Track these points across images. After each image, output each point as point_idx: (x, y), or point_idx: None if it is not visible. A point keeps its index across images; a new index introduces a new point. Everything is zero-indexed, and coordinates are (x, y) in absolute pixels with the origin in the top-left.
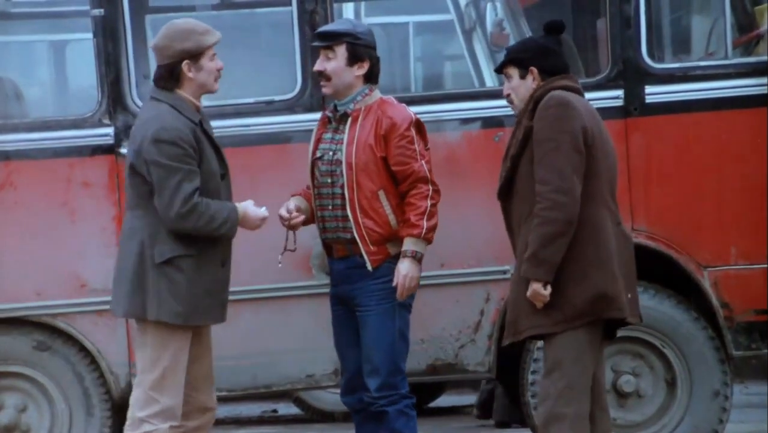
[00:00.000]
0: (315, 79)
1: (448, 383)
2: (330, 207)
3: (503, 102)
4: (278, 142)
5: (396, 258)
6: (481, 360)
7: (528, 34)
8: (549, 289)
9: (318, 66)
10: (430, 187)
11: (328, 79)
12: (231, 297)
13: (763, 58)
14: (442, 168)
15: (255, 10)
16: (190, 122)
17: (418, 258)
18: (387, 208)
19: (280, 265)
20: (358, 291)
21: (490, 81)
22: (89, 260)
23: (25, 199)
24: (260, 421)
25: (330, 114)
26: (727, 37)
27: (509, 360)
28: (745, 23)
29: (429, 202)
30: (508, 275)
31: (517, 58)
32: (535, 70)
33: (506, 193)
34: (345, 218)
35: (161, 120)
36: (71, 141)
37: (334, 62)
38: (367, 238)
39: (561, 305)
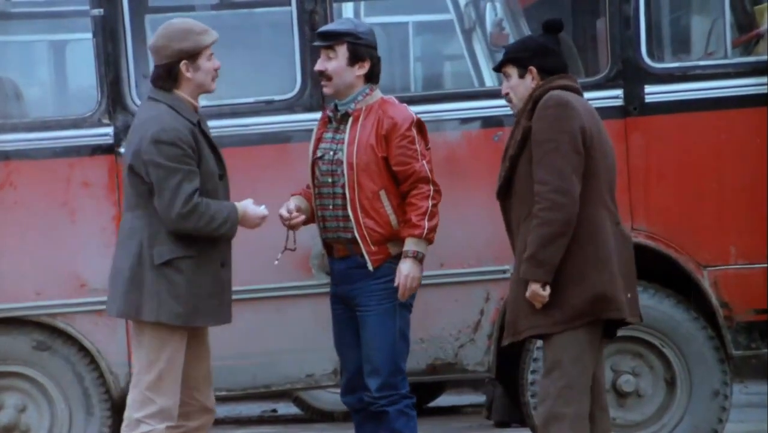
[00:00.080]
0: (314, 78)
1: (448, 382)
2: (331, 207)
3: (503, 102)
4: (278, 141)
5: (397, 258)
6: (480, 360)
7: (527, 33)
8: (548, 289)
9: (319, 66)
10: (431, 188)
11: (329, 78)
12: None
13: (763, 57)
14: (441, 168)
15: (254, 10)
16: (189, 123)
17: (419, 258)
18: (388, 209)
19: (276, 263)
20: (358, 291)
21: (490, 81)
22: (89, 260)
23: (25, 199)
24: (260, 421)
25: (331, 114)
26: (726, 37)
27: (509, 360)
28: (744, 23)
29: (430, 203)
30: (507, 275)
31: (516, 57)
32: (534, 69)
33: (505, 193)
34: (346, 217)
35: (160, 121)
36: (71, 141)
37: (335, 62)
38: (368, 238)
39: (560, 305)
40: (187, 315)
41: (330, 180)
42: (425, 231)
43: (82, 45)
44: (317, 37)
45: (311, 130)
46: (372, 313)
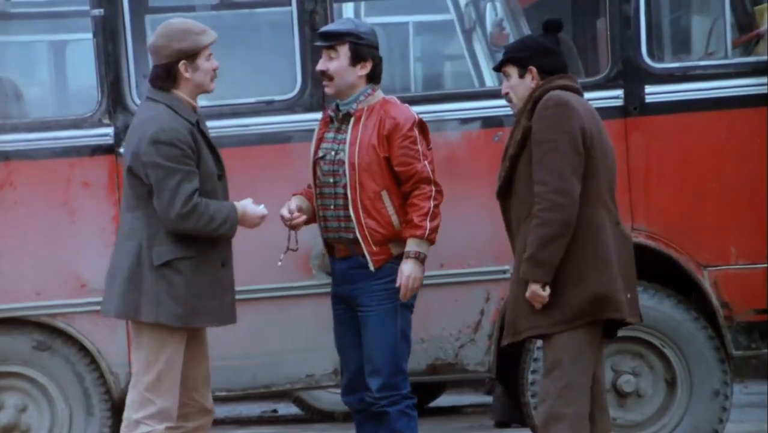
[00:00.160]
0: (315, 79)
1: (448, 382)
2: (332, 207)
3: (503, 102)
4: (278, 142)
5: (398, 258)
6: (481, 360)
7: (527, 33)
8: (548, 290)
9: (320, 66)
10: (433, 188)
11: (331, 78)
12: None
13: (763, 57)
14: (441, 168)
15: (255, 10)
16: (188, 123)
17: (421, 259)
18: (390, 209)
19: (279, 264)
20: (359, 291)
21: (490, 81)
22: (89, 260)
23: (25, 199)
24: (260, 421)
25: (332, 113)
26: (726, 37)
27: (509, 360)
28: (744, 23)
29: (432, 203)
30: (508, 275)
31: (516, 57)
32: (534, 69)
33: (505, 193)
34: (347, 218)
35: (159, 121)
36: (71, 141)
37: (336, 62)
38: (369, 238)
39: (560, 305)
40: (187, 316)
41: (331, 180)
42: (427, 232)
43: (82, 45)
44: (319, 37)
45: (311, 131)
46: (373, 313)
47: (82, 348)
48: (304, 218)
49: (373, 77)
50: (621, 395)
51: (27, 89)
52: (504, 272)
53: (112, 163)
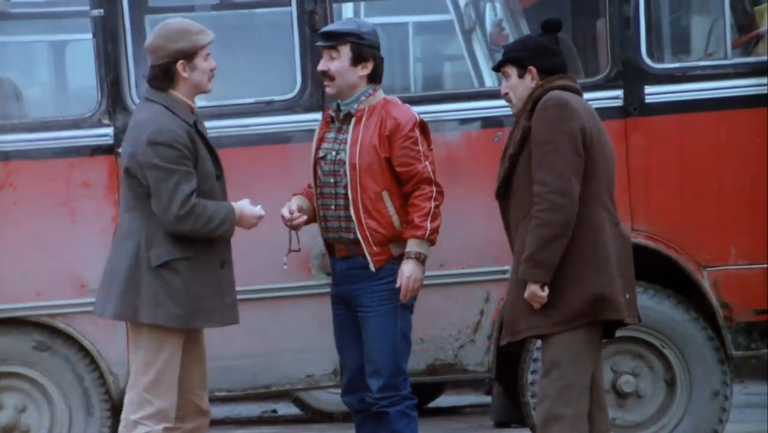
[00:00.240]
0: (315, 79)
1: (448, 383)
2: (333, 207)
3: (503, 102)
4: (278, 142)
5: (398, 259)
6: (480, 360)
7: (527, 34)
8: (546, 290)
9: (322, 66)
10: (434, 189)
11: (332, 79)
12: None
13: (763, 58)
14: (441, 168)
15: (255, 10)
16: (185, 124)
17: (421, 259)
18: (390, 209)
19: (285, 267)
20: (359, 292)
21: (490, 81)
22: (89, 261)
23: (24, 199)
24: (260, 421)
25: (333, 113)
26: (726, 38)
27: (509, 360)
28: (744, 23)
29: (433, 204)
30: (507, 275)
31: (515, 57)
32: (533, 69)
33: (504, 193)
34: (348, 218)
35: (156, 122)
36: (71, 141)
37: (337, 62)
38: (370, 239)
39: (559, 306)
40: (185, 317)
41: (332, 180)
42: (428, 232)
43: (82, 45)
44: (320, 37)
45: (311, 131)
46: (373, 314)
47: (82, 348)
48: (304, 218)
49: (375, 77)
50: (621, 396)
51: (27, 89)
52: (504, 272)
53: (112, 164)
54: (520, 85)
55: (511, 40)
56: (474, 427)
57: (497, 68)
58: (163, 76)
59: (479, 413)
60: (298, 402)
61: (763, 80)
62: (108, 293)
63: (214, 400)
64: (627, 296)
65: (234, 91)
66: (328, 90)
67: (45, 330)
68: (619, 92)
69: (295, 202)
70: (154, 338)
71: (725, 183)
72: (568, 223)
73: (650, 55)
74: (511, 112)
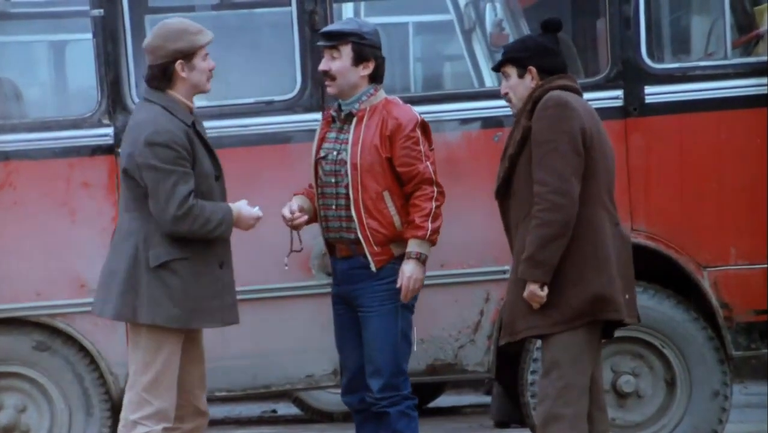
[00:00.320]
0: (314, 79)
1: (448, 383)
2: (334, 207)
3: (503, 102)
4: (278, 142)
5: (399, 259)
6: (480, 360)
7: (527, 34)
8: (546, 290)
9: (323, 65)
10: (435, 189)
11: (333, 78)
12: None
13: (763, 58)
14: (441, 168)
15: (255, 10)
16: (183, 124)
17: (422, 260)
18: (392, 210)
19: (286, 267)
20: (360, 292)
21: (490, 81)
22: (89, 261)
23: (24, 199)
24: (260, 421)
25: (334, 113)
26: (726, 38)
27: (509, 360)
28: (744, 23)
29: (434, 204)
30: (507, 275)
31: (515, 57)
32: (533, 69)
33: (504, 193)
34: (349, 218)
35: (154, 123)
36: (71, 141)
37: (339, 62)
38: (371, 239)
39: (559, 306)
40: (184, 318)
41: (333, 180)
42: (428, 232)
43: (82, 45)
44: (322, 37)
45: (311, 131)
46: (374, 314)
47: (82, 348)
48: (305, 217)
49: (376, 77)
50: (621, 396)
51: (27, 89)
52: (504, 272)
53: (112, 164)
54: (520, 85)
55: (511, 40)
56: (474, 427)
57: (497, 68)
58: (161, 76)
59: (479, 413)
60: (298, 402)
61: (763, 80)
62: (107, 293)
63: (213, 400)
64: (627, 296)
65: (234, 91)
66: (330, 90)
67: (45, 330)
68: (619, 92)
69: (296, 202)
70: (153, 338)
71: (725, 183)
72: (568, 223)
73: (650, 55)
74: (510, 112)
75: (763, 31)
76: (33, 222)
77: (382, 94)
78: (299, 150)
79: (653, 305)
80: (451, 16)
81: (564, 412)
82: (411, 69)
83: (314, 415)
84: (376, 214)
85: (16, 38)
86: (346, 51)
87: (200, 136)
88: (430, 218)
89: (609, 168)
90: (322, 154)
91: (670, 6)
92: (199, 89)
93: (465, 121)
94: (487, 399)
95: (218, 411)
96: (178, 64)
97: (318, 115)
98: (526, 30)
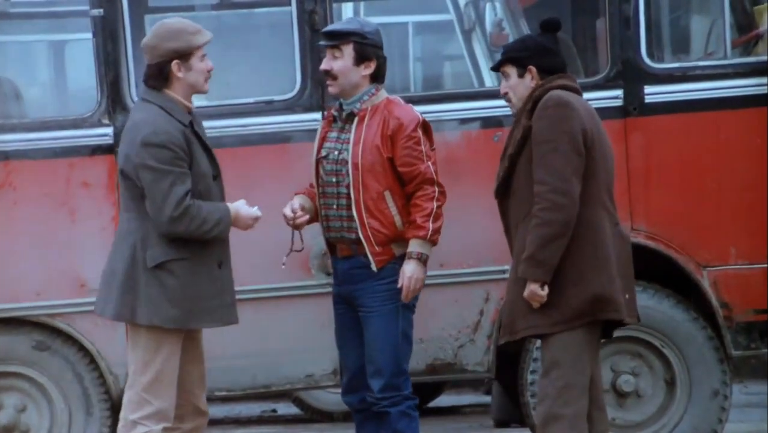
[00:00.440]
0: (314, 79)
1: (447, 382)
2: (335, 207)
3: (502, 102)
4: (278, 142)
5: (400, 259)
6: (480, 360)
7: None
8: (546, 289)
9: (324, 65)
10: (436, 189)
11: (335, 78)
12: None
13: (763, 58)
14: (441, 168)
15: (254, 10)
16: (180, 124)
17: (423, 260)
18: (393, 209)
19: (284, 266)
20: (361, 291)
21: (490, 81)
22: (89, 260)
23: (24, 199)
24: (260, 421)
25: (335, 113)
26: (726, 37)
27: (508, 360)
28: (744, 23)
29: (435, 204)
30: (507, 275)
31: (515, 57)
32: (533, 69)
33: (503, 193)
34: (350, 218)
35: (151, 123)
36: (71, 141)
37: (340, 61)
38: (372, 239)
39: (558, 305)
40: (182, 318)
41: (334, 180)
42: (429, 233)
43: (82, 45)
44: (323, 37)
45: (311, 131)
46: (375, 314)
47: (82, 348)
48: (306, 217)
49: (377, 77)
50: (620, 395)
51: (26, 89)
52: (503, 272)
53: (112, 163)
54: (520, 84)
55: (510, 40)
56: (474, 427)
57: (496, 68)
58: (157, 76)
59: (479, 412)
60: (298, 402)
61: (763, 80)
62: (108, 293)
63: (213, 400)
64: (627, 295)
65: (234, 91)
66: (331, 89)
67: (45, 330)
68: (619, 92)
69: (297, 202)
70: (152, 338)
71: (725, 183)
72: (568, 222)
73: (650, 55)
74: (510, 112)
75: (762, 30)
76: (33, 222)
77: (383, 94)
78: (299, 150)
79: (653, 305)
80: (451, 16)
81: (564, 412)
82: (411, 69)
83: (314, 415)
84: (377, 214)
85: (16, 38)
86: (348, 50)
87: (198, 136)
88: (432, 218)
89: (609, 168)
90: (323, 153)
91: (670, 6)
92: (196, 90)
93: (465, 121)
94: (487, 399)
95: (218, 411)
96: (174, 64)
97: (318, 115)
98: (525, 30)
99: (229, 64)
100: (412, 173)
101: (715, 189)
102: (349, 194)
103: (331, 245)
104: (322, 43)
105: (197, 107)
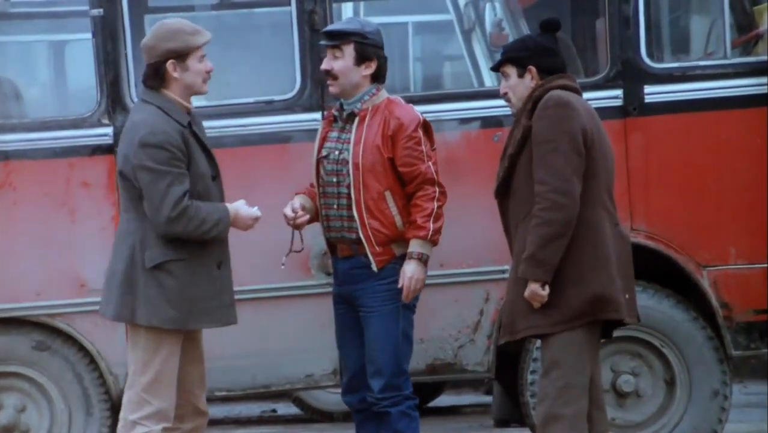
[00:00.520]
0: (314, 79)
1: (447, 382)
2: (335, 207)
3: (502, 102)
4: (277, 142)
5: (401, 259)
6: (480, 360)
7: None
8: (547, 289)
9: (325, 65)
10: (437, 189)
11: (335, 78)
12: None
13: (763, 58)
14: (441, 168)
15: (254, 10)
16: (179, 125)
17: (423, 260)
18: (393, 210)
19: (283, 266)
20: (361, 292)
21: (489, 81)
22: (88, 260)
23: (24, 199)
24: (260, 421)
25: (336, 113)
26: (726, 37)
27: (508, 360)
28: (744, 23)
29: (435, 204)
30: (507, 275)
31: (515, 57)
32: (533, 69)
33: (503, 193)
34: (350, 218)
35: (149, 124)
36: (70, 141)
37: (341, 61)
38: (372, 239)
39: (559, 305)
40: (181, 319)
41: (335, 180)
42: (430, 233)
43: (81, 45)
44: (324, 36)
45: (311, 131)
46: (375, 314)
47: (82, 348)
48: (307, 217)
49: (378, 77)
50: (620, 395)
51: (26, 89)
52: (503, 272)
53: (112, 164)
54: (520, 84)
55: (510, 40)
56: (474, 427)
57: (496, 68)
58: (154, 76)
59: (479, 412)
60: (298, 402)
61: (763, 80)
62: (109, 293)
63: (213, 400)
64: (627, 295)
65: (234, 91)
66: (332, 89)
67: (45, 330)
68: (619, 92)
69: (297, 201)
70: (152, 338)
71: (725, 183)
72: (569, 222)
73: (650, 54)
74: (510, 112)
75: (762, 30)
76: (33, 222)
77: (384, 94)
78: (299, 150)
79: (653, 305)
80: (451, 16)
81: (564, 412)
82: (411, 69)
83: (314, 415)
84: (377, 214)
85: (16, 38)
86: (349, 50)
87: (197, 136)
88: (432, 218)
89: (609, 168)
90: (323, 153)
91: (670, 6)
92: (194, 90)
93: (465, 121)
94: (487, 399)
95: (218, 411)
96: (169, 64)
97: (317, 115)
98: (525, 30)
99: (228, 64)
100: (412, 173)
101: (715, 189)
102: (349, 194)
103: (331, 244)
104: (322, 43)
105: (197, 107)
